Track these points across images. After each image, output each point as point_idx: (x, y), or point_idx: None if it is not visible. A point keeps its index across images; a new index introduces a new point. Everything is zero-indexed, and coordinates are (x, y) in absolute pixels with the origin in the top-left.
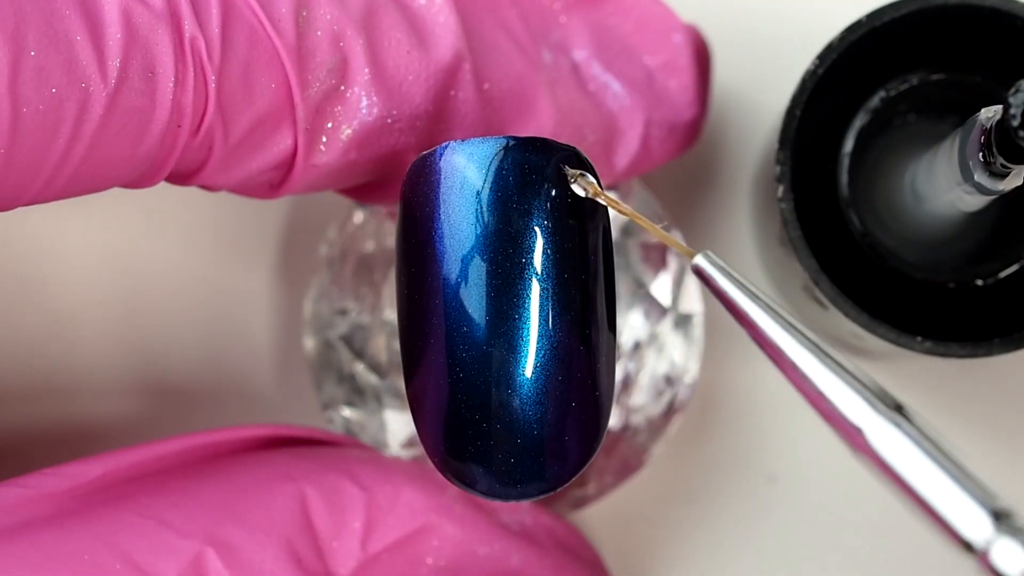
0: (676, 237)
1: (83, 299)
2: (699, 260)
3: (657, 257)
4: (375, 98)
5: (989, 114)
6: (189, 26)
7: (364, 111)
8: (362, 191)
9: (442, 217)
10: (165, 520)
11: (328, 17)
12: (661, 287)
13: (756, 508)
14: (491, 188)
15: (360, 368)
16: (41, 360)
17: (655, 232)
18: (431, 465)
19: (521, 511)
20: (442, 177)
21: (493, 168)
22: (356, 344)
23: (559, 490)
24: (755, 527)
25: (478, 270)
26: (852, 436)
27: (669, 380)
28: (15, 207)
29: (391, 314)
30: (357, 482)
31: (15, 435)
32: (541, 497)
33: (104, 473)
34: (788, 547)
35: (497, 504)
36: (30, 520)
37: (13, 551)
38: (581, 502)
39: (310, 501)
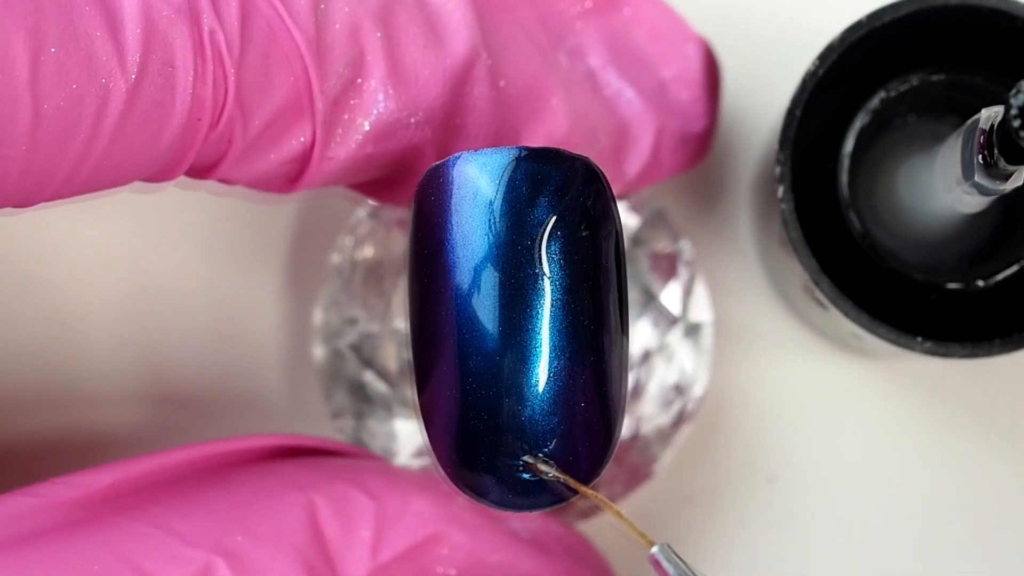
0: (686, 244)
1: (90, 306)
2: (655, 551)
3: (667, 266)
4: (392, 91)
5: (990, 115)
6: (208, 20)
7: (381, 104)
8: (377, 189)
9: (454, 227)
10: (174, 529)
11: (346, 10)
12: (671, 296)
13: (757, 507)
14: (503, 198)
15: (369, 377)
16: (46, 368)
17: (615, 513)
18: (440, 475)
19: (530, 518)
20: (454, 187)
21: (505, 178)
22: (365, 353)
23: (570, 501)
24: (756, 526)
25: (490, 280)
26: None
27: (679, 389)
28: (36, 203)
29: (400, 323)
30: (366, 491)
31: (23, 444)
32: (552, 508)
33: (113, 483)
34: (787, 544)
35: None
36: (39, 529)
37: (22, 560)
38: (590, 512)
39: (319, 510)
